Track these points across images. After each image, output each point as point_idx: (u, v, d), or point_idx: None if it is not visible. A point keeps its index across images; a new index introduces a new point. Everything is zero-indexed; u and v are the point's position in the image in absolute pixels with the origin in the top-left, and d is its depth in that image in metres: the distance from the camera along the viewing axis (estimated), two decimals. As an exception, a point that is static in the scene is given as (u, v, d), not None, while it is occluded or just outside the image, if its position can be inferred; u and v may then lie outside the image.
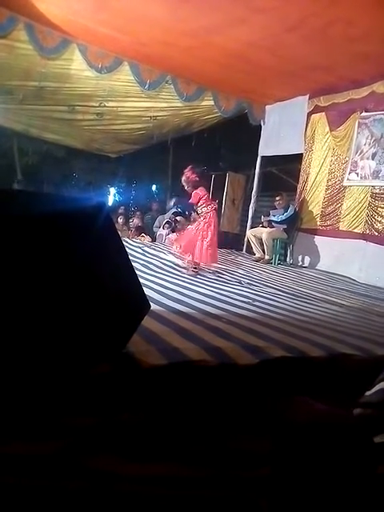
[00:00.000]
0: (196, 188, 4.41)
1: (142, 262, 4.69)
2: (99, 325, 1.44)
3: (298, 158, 6.72)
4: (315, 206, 6.28)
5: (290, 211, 6.12)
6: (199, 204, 4.44)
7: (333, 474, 0.79)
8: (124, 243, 1.65)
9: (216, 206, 4.53)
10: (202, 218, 4.45)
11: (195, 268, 4.34)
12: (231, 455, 1.41)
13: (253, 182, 7.81)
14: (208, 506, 1.22)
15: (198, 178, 4.39)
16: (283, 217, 6.10)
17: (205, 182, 4.53)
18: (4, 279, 1.25)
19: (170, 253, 5.34)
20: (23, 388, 1.28)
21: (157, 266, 4.55)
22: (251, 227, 7.21)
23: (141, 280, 1.77)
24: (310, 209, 6.36)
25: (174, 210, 8.48)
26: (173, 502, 1.20)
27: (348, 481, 0.79)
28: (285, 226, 6.14)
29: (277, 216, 6.16)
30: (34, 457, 1.21)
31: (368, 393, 1.02)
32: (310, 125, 6.43)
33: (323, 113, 6.20)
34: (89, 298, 1.40)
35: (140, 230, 7.99)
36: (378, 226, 5.25)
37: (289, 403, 1.08)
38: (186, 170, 4.42)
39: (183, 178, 4.43)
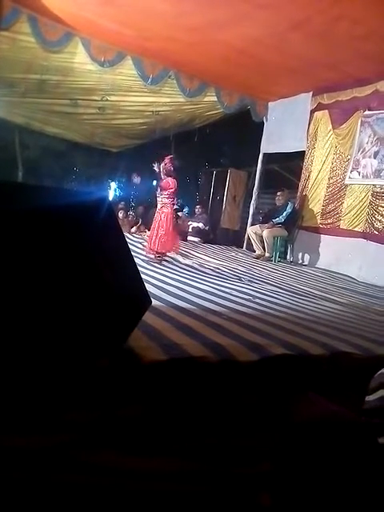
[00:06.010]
0: (169, 177, 4.75)
1: (142, 257, 4.69)
2: (100, 319, 1.44)
3: (300, 156, 6.71)
4: (316, 203, 6.27)
5: (289, 209, 6.11)
6: (163, 194, 4.78)
7: (337, 473, 0.79)
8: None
9: (174, 203, 4.96)
10: (160, 212, 4.80)
11: (159, 256, 4.66)
12: (231, 451, 1.41)
13: (254, 178, 7.80)
14: (207, 501, 1.22)
15: (172, 169, 4.75)
16: (283, 217, 6.09)
17: (176, 176, 4.88)
18: (6, 272, 1.25)
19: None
20: (24, 382, 1.28)
21: (157, 262, 4.55)
22: (252, 224, 7.20)
23: (141, 275, 1.77)
24: (310, 207, 6.35)
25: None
26: (172, 496, 1.21)
27: (353, 481, 0.79)
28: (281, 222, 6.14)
29: (278, 218, 6.14)
30: (34, 450, 1.21)
31: (368, 398, 1.02)
32: (312, 122, 6.42)
33: (326, 110, 6.18)
34: (90, 292, 1.40)
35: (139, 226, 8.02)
36: (379, 224, 5.25)
37: (297, 400, 1.08)
38: (167, 158, 4.79)
39: (162, 164, 4.76)
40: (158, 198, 4.86)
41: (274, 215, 6.23)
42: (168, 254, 4.84)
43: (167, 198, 4.76)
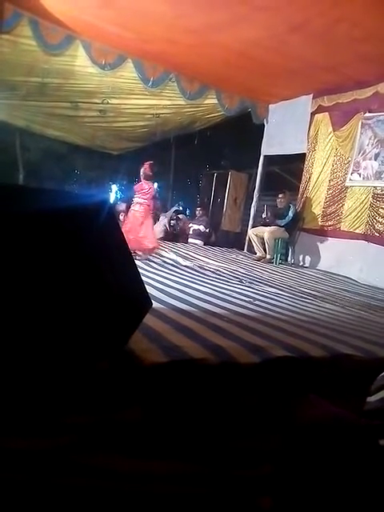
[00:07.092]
0: (146, 180, 4.99)
1: (143, 259, 4.69)
2: (101, 322, 1.44)
3: (300, 158, 6.72)
4: (317, 205, 6.27)
5: (291, 213, 6.11)
6: (138, 194, 5.01)
7: (337, 475, 0.79)
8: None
9: (150, 204, 5.06)
10: (137, 213, 4.97)
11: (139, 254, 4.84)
12: (231, 453, 1.41)
13: (255, 181, 7.80)
14: (207, 503, 1.22)
15: (150, 174, 4.99)
16: (285, 221, 6.09)
17: (153, 179, 5.19)
18: (7, 275, 1.25)
19: (171, 250, 5.35)
20: (24, 384, 1.28)
21: (158, 264, 4.55)
22: (253, 226, 7.20)
23: (142, 277, 1.77)
24: (311, 209, 6.35)
25: (175, 208, 8.50)
26: (172, 499, 1.20)
27: (354, 483, 0.79)
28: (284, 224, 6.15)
29: (282, 220, 6.15)
30: (35, 453, 1.21)
31: (370, 399, 1.01)
32: (313, 124, 6.43)
33: (327, 113, 6.19)
34: (91, 294, 1.40)
35: None
36: (379, 226, 5.25)
37: (298, 402, 1.08)
38: (147, 164, 5.00)
39: (142, 168, 5.02)
40: (134, 199, 5.04)
41: (276, 219, 6.23)
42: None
43: (141, 198, 4.94)
